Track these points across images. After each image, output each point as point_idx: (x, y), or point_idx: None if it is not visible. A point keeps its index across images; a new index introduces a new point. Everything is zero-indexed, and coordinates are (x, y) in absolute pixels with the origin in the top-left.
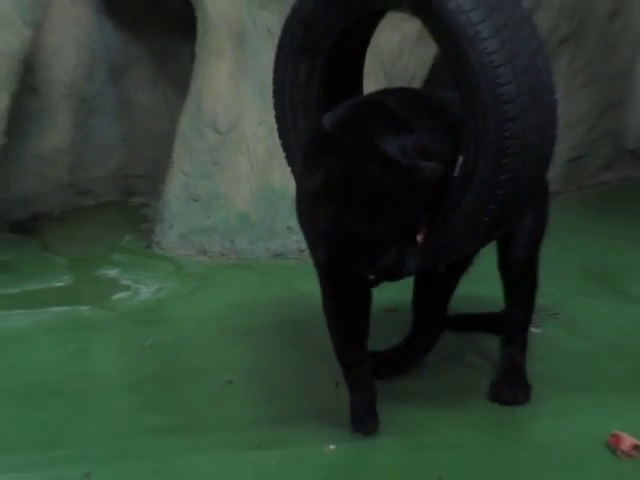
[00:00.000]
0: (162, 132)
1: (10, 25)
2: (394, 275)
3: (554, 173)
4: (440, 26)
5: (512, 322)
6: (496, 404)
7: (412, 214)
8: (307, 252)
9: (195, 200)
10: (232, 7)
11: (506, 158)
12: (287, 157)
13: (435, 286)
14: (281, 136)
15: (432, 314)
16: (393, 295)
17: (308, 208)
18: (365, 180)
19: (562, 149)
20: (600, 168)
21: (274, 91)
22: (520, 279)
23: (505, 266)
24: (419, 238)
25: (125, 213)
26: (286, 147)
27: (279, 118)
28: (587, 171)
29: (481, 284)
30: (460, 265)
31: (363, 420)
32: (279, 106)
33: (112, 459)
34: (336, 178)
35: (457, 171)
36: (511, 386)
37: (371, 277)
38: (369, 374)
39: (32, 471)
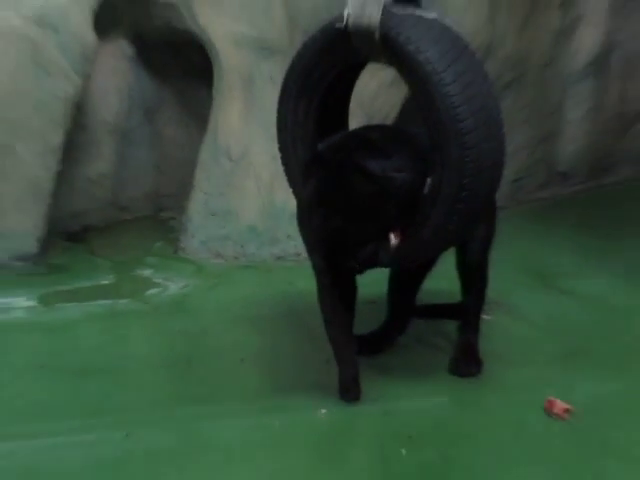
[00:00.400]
0: (186, 160)
1: (65, 76)
2: (372, 264)
3: (500, 191)
4: (411, 74)
5: (467, 311)
6: (455, 377)
7: (386, 217)
8: (303, 255)
9: (213, 214)
10: (241, 59)
11: (466, 179)
12: (289, 180)
13: (405, 282)
14: (284, 163)
15: (403, 304)
16: (372, 290)
17: (305, 215)
18: (348, 188)
19: (507, 172)
20: (537, 187)
21: (278, 127)
22: (473, 277)
23: (462, 267)
24: (394, 239)
25: (156, 225)
26: (288, 172)
27: (282, 149)
28: (526, 190)
29: (443, 280)
30: (426, 265)
31: (348, 390)
32: (282, 139)
33: (147, 423)
34: (326, 187)
35: (426, 190)
36: (466, 362)
37: (355, 266)
38: (354, 353)
39: (80, 434)
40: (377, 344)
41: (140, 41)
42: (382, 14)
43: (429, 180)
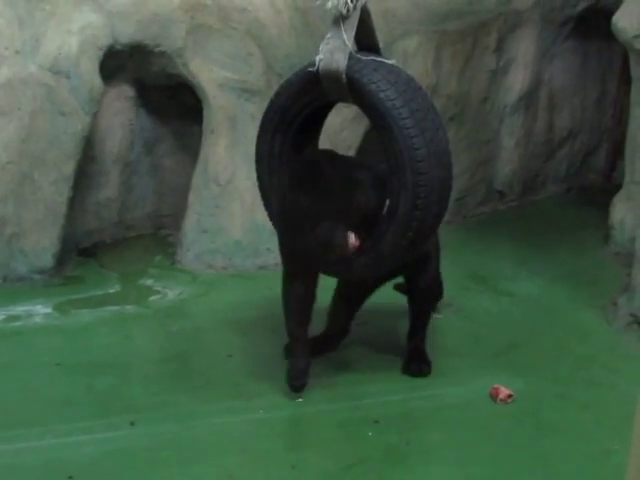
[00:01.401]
0: (181, 186)
1: (75, 114)
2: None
3: (447, 208)
4: (373, 110)
5: (416, 324)
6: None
7: (351, 210)
8: (281, 265)
9: (204, 231)
10: (227, 100)
11: (419, 200)
12: (265, 205)
13: (352, 295)
14: (260, 190)
15: (346, 316)
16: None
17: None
18: (325, 174)
19: (452, 192)
20: (478, 204)
21: (256, 159)
22: (423, 299)
23: (413, 290)
24: (354, 239)
25: (157, 241)
26: (264, 197)
27: (259, 178)
28: (469, 206)
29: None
30: (374, 283)
31: (296, 379)
32: (259, 169)
33: (150, 410)
34: (304, 172)
35: (385, 210)
36: (418, 362)
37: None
38: (308, 347)
39: (91, 420)
40: (319, 348)
41: (140, 85)
42: (348, 59)
43: (387, 202)
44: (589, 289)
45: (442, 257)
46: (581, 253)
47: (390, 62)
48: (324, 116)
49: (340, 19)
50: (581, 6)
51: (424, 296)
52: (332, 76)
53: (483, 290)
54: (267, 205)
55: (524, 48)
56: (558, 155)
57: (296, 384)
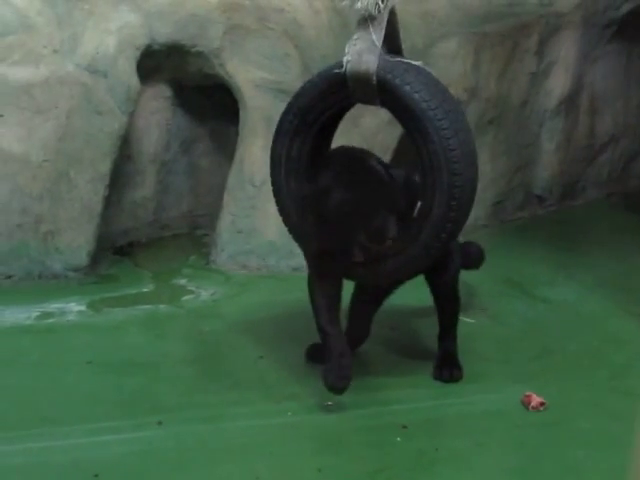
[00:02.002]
0: (217, 186)
1: (112, 113)
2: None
3: (484, 212)
4: (407, 111)
5: (444, 327)
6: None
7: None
8: None
9: (239, 232)
10: (263, 101)
11: (454, 201)
12: (279, 210)
13: (370, 298)
14: (275, 195)
15: (364, 319)
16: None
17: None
18: (362, 174)
19: (490, 195)
20: (516, 208)
21: (271, 162)
22: (449, 301)
23: (437, 292)
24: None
25: (191, 241)
26: (279, 203)
27: (274, 182)
28: (507, 211)
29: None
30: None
31: (341, 380)
32: (275, 173)
33: (178, 410)
34: (343, 171)
35: (415, 213)
36: (449, 367)
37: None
38: (345, 344)
39: (119, 419)
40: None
41: (177, 84)
42: (378, 60)
43: (419, 204)
44: (627, 296)
45: None
46: (620, 260)
47: (417, 64)
48: (340, 118)
49: (368, 19)
50: (625, 9)
51: (449, 294)
52: (361, 78)
53: (518, 295)
54: (282, 210)
55: (565, 51)
56: (599, 160)
57: (338, 386)
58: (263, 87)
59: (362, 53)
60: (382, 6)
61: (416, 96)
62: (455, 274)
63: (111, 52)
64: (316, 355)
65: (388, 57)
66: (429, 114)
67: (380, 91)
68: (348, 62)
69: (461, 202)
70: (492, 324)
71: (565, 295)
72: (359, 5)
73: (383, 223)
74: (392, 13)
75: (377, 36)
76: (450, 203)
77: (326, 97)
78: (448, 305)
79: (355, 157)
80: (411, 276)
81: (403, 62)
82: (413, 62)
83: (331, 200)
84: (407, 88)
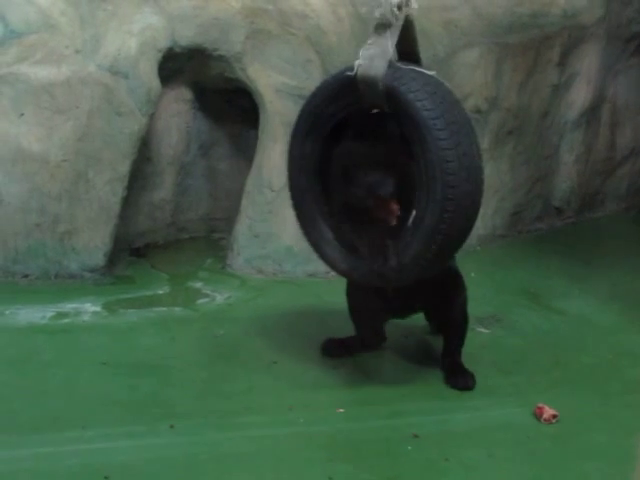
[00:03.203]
0: (235, 190)
1: (132, 115)
2: None
3: (502, 222)
4: (408, 119)
5: (450, 347)
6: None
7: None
8: (331, 273)
9: (256, 236)
10: (283, 106)
11: (446, 213)
12: (294, 204)
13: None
14: (290, 190)
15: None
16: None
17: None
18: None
19: (508, 205)
20: (534, 219)
21: (288, 159)
22: (458, 327)
23: (445, 319)
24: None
25: (208, 244)
26: (293, 197)
27: (290, 177)
28: (525, 221)
29: None
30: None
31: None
32: (290, 169)
33: (190, 415)
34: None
35: (410, 221)
36: (462, 376)
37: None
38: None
39: (131, 422)
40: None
41: (198, 88)
42: (388, 67)
43: (414, 212)
44: None
45: (495, 271)
46: (636, 274)
47: (430, 73)
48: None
49: (383, 26)
50: None
51: (460, 320)
52: (370, 82)
53: (534, 307)
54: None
55: (588, 63)
56: (619, 173)
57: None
58: (284, 92)
59: (374, 58)
60: (398, 14)
61: (418, 104)
62: (465, 301)
63: (133, 54)
64: (332, 350)
65: (400, 64)
66: (429, 123)
67: (387, 97)
68: (359, 66)
69: (455, 215)
70: (507, 335)
71: (580, 308)
72: (377, 13)
73: (380, 178)
74: (409, 22)
75: (390, 43)
76: (442, 215)
77: (337, 99)
78: (460, 330)
79: (373, 117)
80: (404, 306)
81: (414, 70)
82: (426, 71)
83: (345, 152)
84: (411, 96)
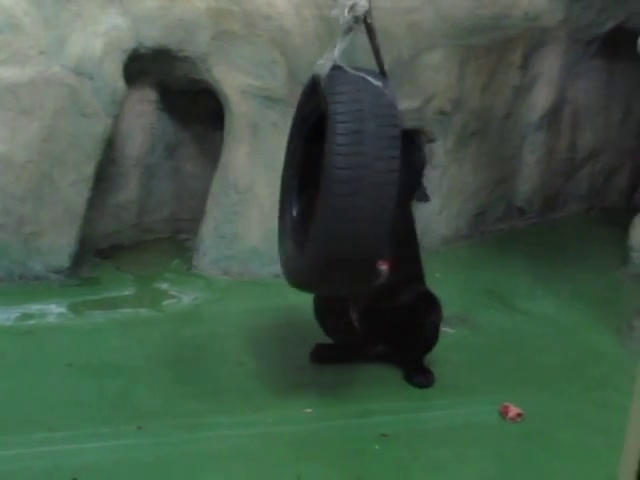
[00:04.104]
0: (200, 191)
1: (96, 116)
2: None
3: (465, 223)
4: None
5: (417, 357)
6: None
7: None
8: None
9: (221, 237)
10: (249, 107)
11: (327, 221)
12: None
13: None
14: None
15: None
16: None
17: None
18: None
19: (471, 206)
20: (497, 220)
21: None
22: (429, 341)
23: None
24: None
25: (174, 245)
26: (281, 192)
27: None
28: (488, 222)
29: None
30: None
31: None
32: (284, 166)
33: (158, 416)
34: None
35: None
36: (423, 373)
37: None
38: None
39: (99, 423)
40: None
41: (163, 88)
42: (331, 69)
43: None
44: (605, 310)
45: (459, 272)
46: (599, 274)
47: (375, 83)
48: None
49: (344, 30)
50: (608, 25)
51: (434, 334)
52: (317, 83)
53: (498, 307)
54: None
55: (549, 65)
56: (580, 174)
57: None
58: (249, 93)
59: (327, 60)
60: (348, 18)
61: (333, 107)
62: (439, 322)
63: (98, 54)
64: (323, 355)
65: (349, 69)
66: (333, 126)
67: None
68: (315, 66)
69: (337, 226)
70: (472, 335)
71: (544, 307)
72: (333, 13)
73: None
74: (369, 29)
75: (339, 45)
76: (323, 222)
77: (309, 98)
78: (428, 345)
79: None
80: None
81: (356, 76)
82: (372, 80)
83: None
84: (332, 98)
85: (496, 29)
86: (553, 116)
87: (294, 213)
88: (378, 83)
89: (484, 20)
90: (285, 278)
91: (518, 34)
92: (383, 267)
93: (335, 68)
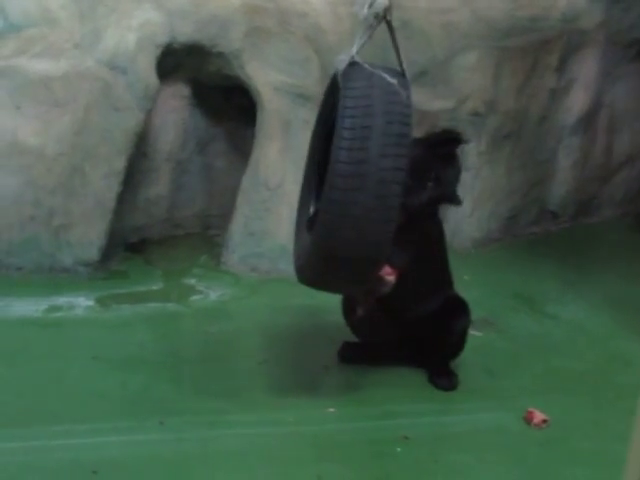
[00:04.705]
0: (231, 187)
1: (129, 110)
2: None
3: (498, 226)
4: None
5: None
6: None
7: None
8: None
9: (251, 234)
10: (281, 104)
11: (327, 214)
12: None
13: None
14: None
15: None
16: None
17: None
18: None
19: (503, 209)
20: (530, 223)
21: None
22: (458, 345)
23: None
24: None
25: (204, 241)
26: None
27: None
28: (520, 225)
29: None
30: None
31: None
32: (307, 164)
33: (180, 412)
34: None
35: None
36: (447, 376)
37: None
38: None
39: (121, 419)
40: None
41: (196, 84)
42: (349, 65)
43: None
44: (635, 317)
45: (489, 275)
46: (630, 280)
47: (390, 81)
48: None
49: (365, 26)
50: None
51: (461, 339)
52: (336, 79)
53: (527, 311)
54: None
55: (587, 68)
56: (615, 179)
57: None
58: (282, 90)
59: (347, 55)
60: (365, 13)
61: (343, 101)
62: (467, 327)
63: (131, 49)
64: (350, 355)
65: (366, 65)
66: (340, 120)
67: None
68: (335, 61)
69: (337, 220)
70: (499, 338)
71: (573, 313)
72: (353, 9)
73: None
74: (389, 25)
75: (357, 42)
76: (325, 216)
77: (330, 96)
78: (456, 348)
79: None
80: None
81: (371, 73)
82: (387, 78)
83: None
84: (344, 92)
85: (533, 31)
86: (589, 120)
87: (311, 210)
88: (393, 80)
89: (521, 21)
90: (296, 275)
91: (555, 36)
92: (390, 277)
93: (352, 64)
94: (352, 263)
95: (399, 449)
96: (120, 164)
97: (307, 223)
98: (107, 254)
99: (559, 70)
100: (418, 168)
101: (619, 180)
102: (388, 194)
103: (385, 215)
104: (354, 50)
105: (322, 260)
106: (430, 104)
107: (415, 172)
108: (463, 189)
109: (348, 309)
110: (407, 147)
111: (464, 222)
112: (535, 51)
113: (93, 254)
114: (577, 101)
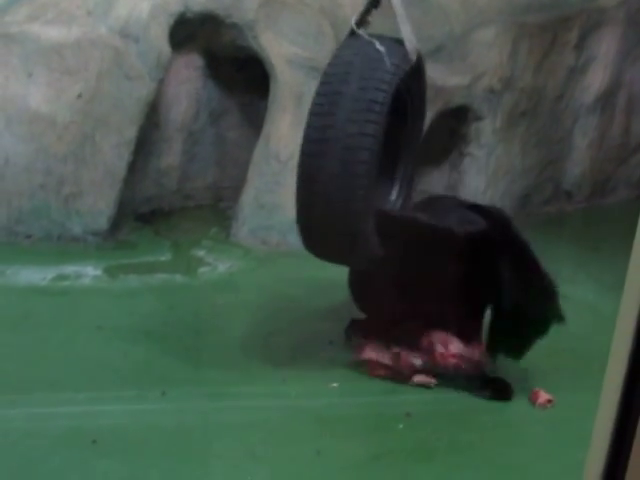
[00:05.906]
0: (242, 159)
1: (141, 79)
2: None
3: (512, 204)
4: None
5: None
6: None
7: None
8: None
9: (261, 207)
10: (294, 77)
11: (298, 181)
12: None
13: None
14: None
15: None
16: None
17: None
18: None
19: (518, 188)
20: (544, 203)
21: None
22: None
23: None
24: None
25: (214, 213)
26: None
27: None
28: (534, 204)
29: None
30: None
31: None
32: None
33: (182, 383)
34: None
35: None
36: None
37: None
38: None
39: (123, 389)
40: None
41: (209, 55)
42: (350, 34)
43: None
44: None
45: None
46: None
47: (378, 48)
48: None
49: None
50: None
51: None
52: None
53: None
54: None
55: (606, 47)
56: (632, 160)
57: None
58: (295, 63)
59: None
60: None
61: (325, 69)
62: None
63: (144, 17)
64: (357, 331)
65: (364, 34)
66: (318, 88)
67: None
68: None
69: (305, 186)
70: None
71: (584, 293)
72: None
73: None
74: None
75: (359, 13)
76: (297, 181)
77: None
78: None
79: None
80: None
81: (361, 40)
82: (377, 44)
83: None
84: (330, 60)
85: (553, 7)
86: (607, 99)
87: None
88: (381, 48)
89: None
90: None
91: (575, 13)
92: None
93: (351, 34)
94: (328, 232)
95: (401, 426)
96: (131, 133)
97: None
98: (116, 224)
99: (578, 48)
100: None
101: (636, 161)
102: (353, 160)
103: (350, 182)
104: (353, 21)
105: (304, 230)
106: (446, 80)
107: None
108: (477, 166)
109: (355, 288)
110: (378, 113)
111: (478, 199)
112: (554, 28)
113: (102, 223)
114: (595, 80)
